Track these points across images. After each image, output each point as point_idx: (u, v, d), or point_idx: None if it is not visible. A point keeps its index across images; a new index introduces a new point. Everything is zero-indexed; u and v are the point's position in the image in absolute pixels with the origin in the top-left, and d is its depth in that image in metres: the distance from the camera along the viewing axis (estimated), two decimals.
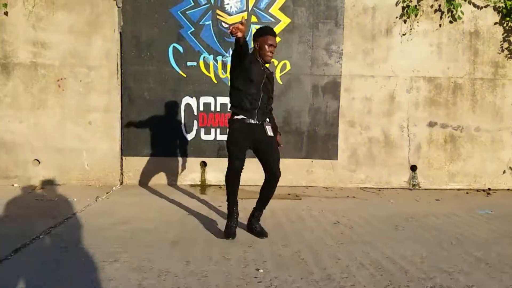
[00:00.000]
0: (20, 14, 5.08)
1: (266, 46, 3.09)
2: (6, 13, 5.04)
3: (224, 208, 3.53)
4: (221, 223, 3.40)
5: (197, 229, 3.35)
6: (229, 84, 3.24)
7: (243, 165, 3.10)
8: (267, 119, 3.22)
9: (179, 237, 3.11)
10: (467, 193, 5.28)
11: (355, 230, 3.39)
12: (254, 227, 3.22)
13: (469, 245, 3.06)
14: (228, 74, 5.27)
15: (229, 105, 3.25)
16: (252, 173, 5.23)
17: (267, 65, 3.23)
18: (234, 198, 3.13)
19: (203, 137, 5.34)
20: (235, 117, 3.14)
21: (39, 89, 5.13)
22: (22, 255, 2.67)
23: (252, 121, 3.10)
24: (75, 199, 4.31)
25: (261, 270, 2.45)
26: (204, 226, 3.45)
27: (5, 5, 5.00)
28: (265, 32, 3.13)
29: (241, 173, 3.10)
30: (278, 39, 5.14)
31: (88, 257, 2.60)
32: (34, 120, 5.14)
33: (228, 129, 3.20)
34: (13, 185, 5.10)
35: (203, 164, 5.36)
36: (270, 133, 3.16)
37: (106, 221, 3.48)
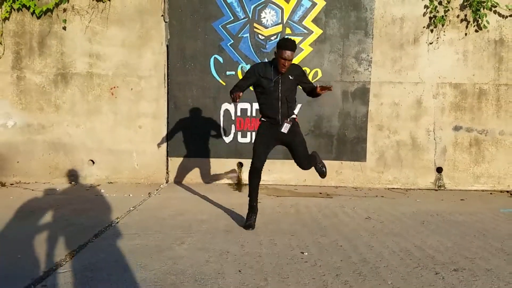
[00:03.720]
0: (78, 29, 5.66)
1: (281, 59, 3.40)
2: (64, 28, 5.64)
3: (261, 205, 3.96)
4: (259, 216, 3.83)
5: (243, 220, 3.79)
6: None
7: (263, 165, 3.57)
8: (287, 118, 3.59)
9: (229, 226, 3.57)
10: (491, 193, 5.54)
11: (386, 224, 3.76)
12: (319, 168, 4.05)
13: (491, 238, 3.39)
14: None
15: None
16: (284, 173, 5.66)
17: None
18: (254, 193, 3.58)
19: (240, 139, 5.79)
20: (261, 119, 3.70)
21: (94, 97, 5.70)
22: (102, 240, 3.18)
23: (274, 123, 3.57)
24: (130, 195, 4.83)
25: (306, 253, 2.87)
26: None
27: (65, 21, 5.59)
28: (282, 46, 3.41)
29: (261, 172, 3.57)
30: (308, 49, 5.63)
31: (158, 240, 3.09)
32: (89, 125, 5.72)
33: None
34: (71, 182, 5.68)
35: (240, 165, 5.81)
36: (284, 129, 3.56)
37: (165, 213, 3.98)
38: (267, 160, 3.71)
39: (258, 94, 3.69)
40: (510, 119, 5.72)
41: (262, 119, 3.67)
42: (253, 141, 3.71)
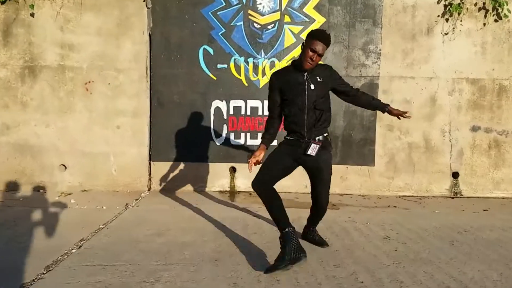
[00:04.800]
0: (48, 16, 4.95)
1: (309, 51, 2.67)
2: (32, 15, 4.92)
3: (257, 220, 3.31)
4: (257, 236, 3.19)
5: (236, 242, 3.14)
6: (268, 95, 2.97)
7: (270, 181, 2.80)
8: (319, 137, 2.82)
9: (218, 252, 2.91)
10: None
11: (409, 246, 3.13)
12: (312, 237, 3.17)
13: None
14: (259, 77, 5.12)
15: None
16: (283, 179, 5.02)
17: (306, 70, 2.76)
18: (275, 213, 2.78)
19: (233, 141, 5.13)
20: (286, 137, 2.92)
21: (66, 93, 5.00)
22: (55, 275, 2.49)
23: (300, 139, 2.80)
24: (104, 207, 4.15)
25: None
26: (241, 238, 3.24)
27: (32, 6, 4.88)
28: (314, 35, 2.72)
29: (271, 188, 2.80)
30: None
31: (126, 276, 2.41)
32: (61, 124, 5.01)
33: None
34: (39, 190, 4.97)
35: (233, 170, 5.15)
36: (311, 151, 2.75)
37: (140, 233, 3.29)
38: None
39: (282, 107, 2.89)
40: None
41: (286, 137, 2.91)
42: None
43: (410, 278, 2.50)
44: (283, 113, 2.89)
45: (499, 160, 5.17)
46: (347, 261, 2.79)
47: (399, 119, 3.08)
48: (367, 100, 3.04)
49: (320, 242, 3.12)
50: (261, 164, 2.86)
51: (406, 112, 2.98)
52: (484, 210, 4.48)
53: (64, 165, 5.04)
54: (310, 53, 2.67)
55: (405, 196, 5.10)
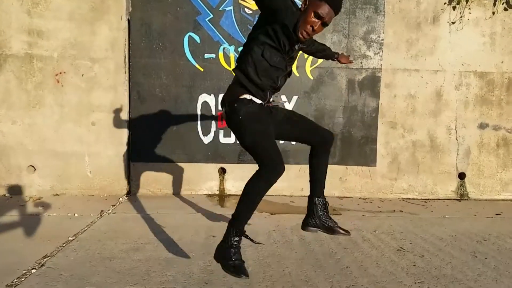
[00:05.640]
0: None
1: (313, 17, 2.00)
2: None
3: (251, 227, 2.85)
4: (252, 250, 2.73)
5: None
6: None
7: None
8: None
9: (208, 272, 2.43)
10: None
11: (428, 260, 2.71)
12: (326, 223, 2.31)
13: None
14: None
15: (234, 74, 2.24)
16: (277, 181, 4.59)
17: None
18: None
19: (222, 140, 4.65)
20: (244, 96, 2.13)
21: (35, 85, 4.45)
22: None
23: (263, 103, 2.16)
24: (76, 215, 3.63)
25: None
26: None
27: None
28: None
29: None
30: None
31: None
32: (28, 121, 4.46)
33: (238, 115, 2.12)
34: (4, 195, 4.43)
35: (222, 171, 4.68)
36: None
37: (115, 247, 2.79)
38: (255, 165, 2.19)
39: (262, 38, 2.10)
40: None
41: (244, 96, 2.13)
42: (250, 134, 2.10)
43: None
44: (262, 52, 2.10)
45: (507, 159, 4.82)
46: (361, 281, 2.34)
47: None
48: (319, 47, 2.75)
49: (335, 229, 2.29)
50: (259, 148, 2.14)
51: (349, 57, 2.93)
52: (497, 214, 4.11)
53: (33, 166, 4.50)
54: (313, 19, 2.01)
55: (409, 199, 4.71)
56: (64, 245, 2.83)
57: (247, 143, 2.11)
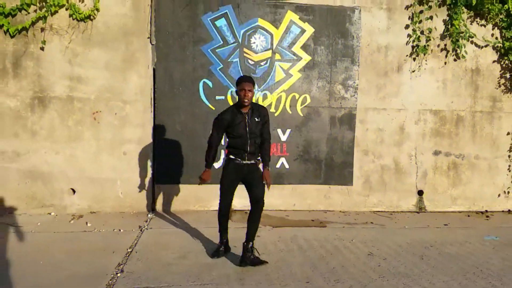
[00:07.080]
0: (56, 50, 5.31)
1: (243, 92, 3.62)
2: (42, 48, 5.27)
3: (261, 239, 3.95)
4: (267, 257, 3.80)
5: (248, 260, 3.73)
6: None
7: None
8: (258, 158, 3.85)
9: (239, 272, 3.50)
10: (468, 216, 5.85)
11: (389, 262, 3.86)
12: (248, 257, 3.65)
13: (489, 275, 3.58)
14: None
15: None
16: (274, 198, 5.64)
17: (246, 110, 3.72)
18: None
19: None
20: (230, 156, 3.86)
21: (75, 122, 5.39)
22: None
23: (243, 162, 3.78)
24: (121, 230, 4.62)
25: None
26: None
27: (44, 42, 5.23)
28: (241, 80, 3.68)
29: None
30: (298, 75, 5.65)
31: None
32: (69, 152, 5.39)
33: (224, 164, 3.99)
34: (50, 213, 5.35)
35: None
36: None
37: (167, 256, 3.81)
38: None
39: (227, 136, 3.94)
40: (484, 144, 6.06)
41: (230, 156, 3.87)
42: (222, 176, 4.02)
43: None
44: (229, 141, 3.94)
45: (456, 179, 6.07)
46: (344, 276, 3.47)
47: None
48: (264, 151, 3.89)
49: (257, 261, 3.67)
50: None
51: (269, 184, 3.85)
52: (445, 225, 5.32)
53: (73, 190, 5.43)
54: (244, 93, 3.62)
55: (379, 211, 5.89)
56: (127, 255, 3.84)
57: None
